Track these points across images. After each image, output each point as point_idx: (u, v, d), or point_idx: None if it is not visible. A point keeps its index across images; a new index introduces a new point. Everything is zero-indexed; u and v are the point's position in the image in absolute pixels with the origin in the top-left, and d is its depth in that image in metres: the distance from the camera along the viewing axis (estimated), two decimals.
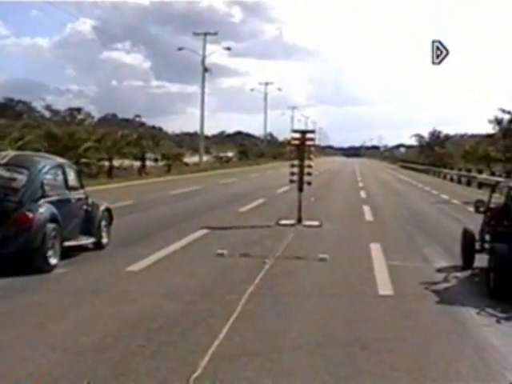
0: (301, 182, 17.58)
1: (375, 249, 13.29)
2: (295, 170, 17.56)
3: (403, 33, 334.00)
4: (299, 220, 17.15)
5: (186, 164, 58.59)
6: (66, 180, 11.78)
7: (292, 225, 16.82)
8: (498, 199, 12.22)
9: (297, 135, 17.64)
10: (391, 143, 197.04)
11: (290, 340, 6.89)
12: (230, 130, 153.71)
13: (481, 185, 37.95)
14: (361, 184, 40.82)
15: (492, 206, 11.58)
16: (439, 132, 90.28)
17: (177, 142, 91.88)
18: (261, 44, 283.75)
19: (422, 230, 16.83)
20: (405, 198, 30.07)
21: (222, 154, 77.70)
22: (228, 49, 79.53)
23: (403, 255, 12.77)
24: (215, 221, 17.42)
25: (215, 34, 64.93)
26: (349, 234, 16.13)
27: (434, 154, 76.69)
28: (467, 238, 11.49)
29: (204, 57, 62.92)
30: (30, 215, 10.19)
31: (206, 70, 63.41)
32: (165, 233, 15.02)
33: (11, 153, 12.12)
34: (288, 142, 20.62)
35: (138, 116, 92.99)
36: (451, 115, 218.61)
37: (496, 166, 46.69)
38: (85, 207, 12.38)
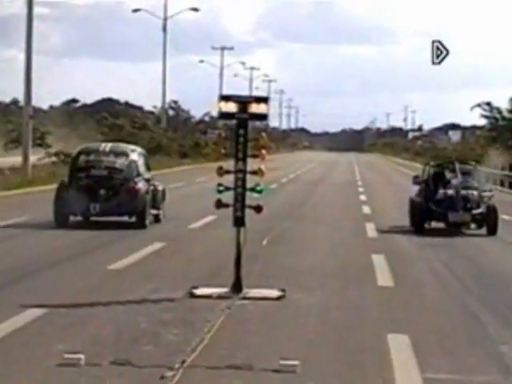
0: (241, 205, 9.49)
1: (399, 347, 6.84)
2: (228, 180, 9.47)
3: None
4: (237, 286, 9.27)
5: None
6: (146, 163, 17.24)
7: (221, 297, 9.06)
8: None
9: (231, 107, 9.71)
10: (428, 123, 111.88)
11: None
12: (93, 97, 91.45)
13: None
14: (366, 209, 23.02)
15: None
16: None
17: None
18: None
19: (487, 303, 9.21)
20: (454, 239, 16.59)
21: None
22: None
23: (453, 359, 6.68)
24: (58, 290, 9.57)
25: None
26: (342, 315, 8.72)
27: None
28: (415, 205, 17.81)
29: None
30: (136, 187, 15.90)
31: None
32: None
33: (109, 144, 17.52)
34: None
35: None
36: None
37: None
38: (152, 187, 16.83)
